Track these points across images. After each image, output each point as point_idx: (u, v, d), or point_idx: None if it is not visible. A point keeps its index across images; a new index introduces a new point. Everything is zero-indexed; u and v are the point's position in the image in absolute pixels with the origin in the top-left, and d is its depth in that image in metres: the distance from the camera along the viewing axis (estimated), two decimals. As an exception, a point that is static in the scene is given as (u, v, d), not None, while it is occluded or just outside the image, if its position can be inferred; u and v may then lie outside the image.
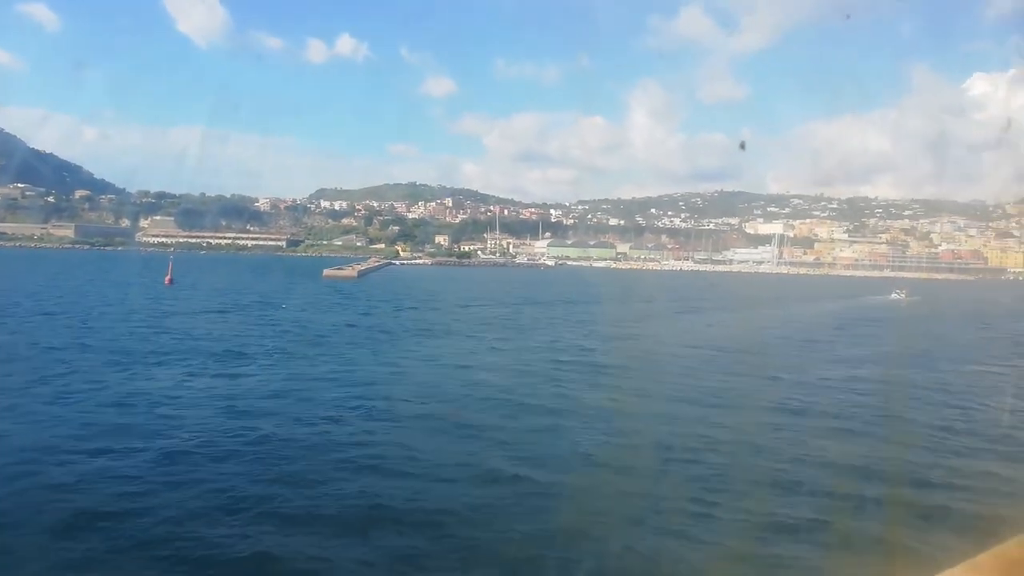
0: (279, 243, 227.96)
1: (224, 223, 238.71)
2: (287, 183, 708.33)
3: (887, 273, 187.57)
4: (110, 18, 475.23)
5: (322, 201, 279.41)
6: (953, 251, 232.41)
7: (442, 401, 20.08)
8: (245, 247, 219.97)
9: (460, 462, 14.14)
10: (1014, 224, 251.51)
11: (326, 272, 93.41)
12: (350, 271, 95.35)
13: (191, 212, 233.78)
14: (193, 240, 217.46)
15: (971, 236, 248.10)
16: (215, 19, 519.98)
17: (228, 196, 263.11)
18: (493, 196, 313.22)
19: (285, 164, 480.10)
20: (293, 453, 14.37)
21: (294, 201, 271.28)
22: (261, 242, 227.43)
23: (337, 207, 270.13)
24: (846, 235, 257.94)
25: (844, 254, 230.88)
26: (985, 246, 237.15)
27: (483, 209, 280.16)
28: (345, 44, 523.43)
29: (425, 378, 23.77)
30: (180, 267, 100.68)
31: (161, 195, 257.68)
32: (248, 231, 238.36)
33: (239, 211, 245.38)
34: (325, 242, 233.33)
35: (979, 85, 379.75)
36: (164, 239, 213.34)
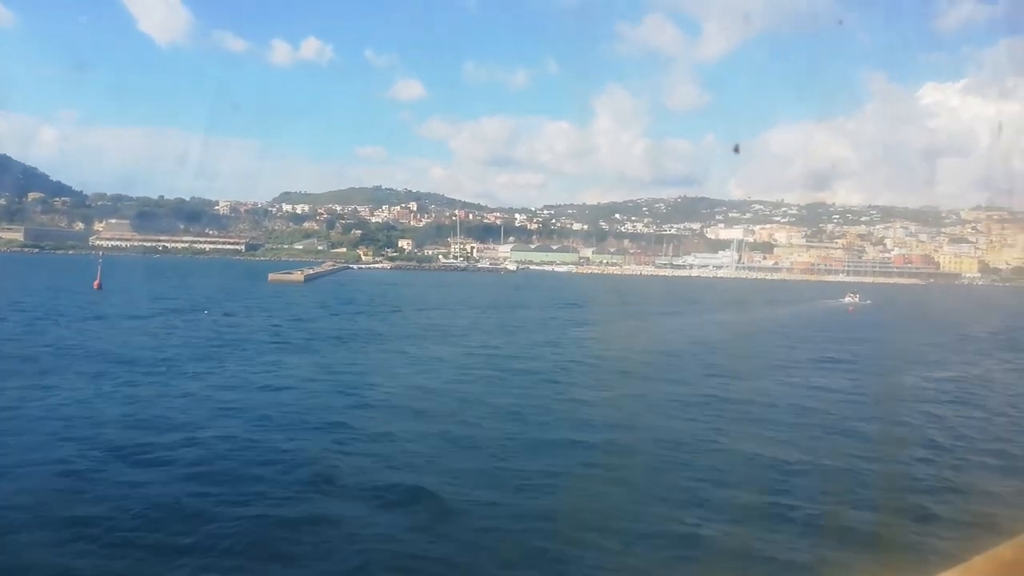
0: (238, 247, 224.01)
1: (182, 227, 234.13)
2: (252, 186, 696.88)
3: (841, 278, 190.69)
4: (68, 17, 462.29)
5: (284, 205, 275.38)
6: (904, 256, 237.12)
7: (328, 410, 19.30)
8: (203, 251, 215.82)
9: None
10: (969, 230, 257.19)
11: (271, 276, 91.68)
12: (296, 275, 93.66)
13: (148, 215, 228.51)
14: (148, 244, 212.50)
15: (922, 241, 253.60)
16: (177, 19, 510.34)
17: (187, 199, 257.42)
18: (460, 200, 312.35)
19: (250, 167, 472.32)
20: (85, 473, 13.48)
21: (255, 204, 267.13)
22: (219, 246, 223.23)
23: (299, 211, 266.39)
24: (804, 240, 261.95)
25: (801, 259, 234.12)
26: (936, 251, 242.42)
27: (448, 213, 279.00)
28: (311, 46, 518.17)
29: (305, 393, 22.72)
30: (123, 271, 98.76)
31: (118, 198, 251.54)
32: (207, 235, 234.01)
33: (198, 214, 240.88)
34: (286, 246, 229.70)
35: (931, 94, 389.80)
36: (119, 243, 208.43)
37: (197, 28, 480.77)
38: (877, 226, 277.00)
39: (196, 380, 23.26)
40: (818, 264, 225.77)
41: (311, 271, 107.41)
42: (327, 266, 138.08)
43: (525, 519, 11.65)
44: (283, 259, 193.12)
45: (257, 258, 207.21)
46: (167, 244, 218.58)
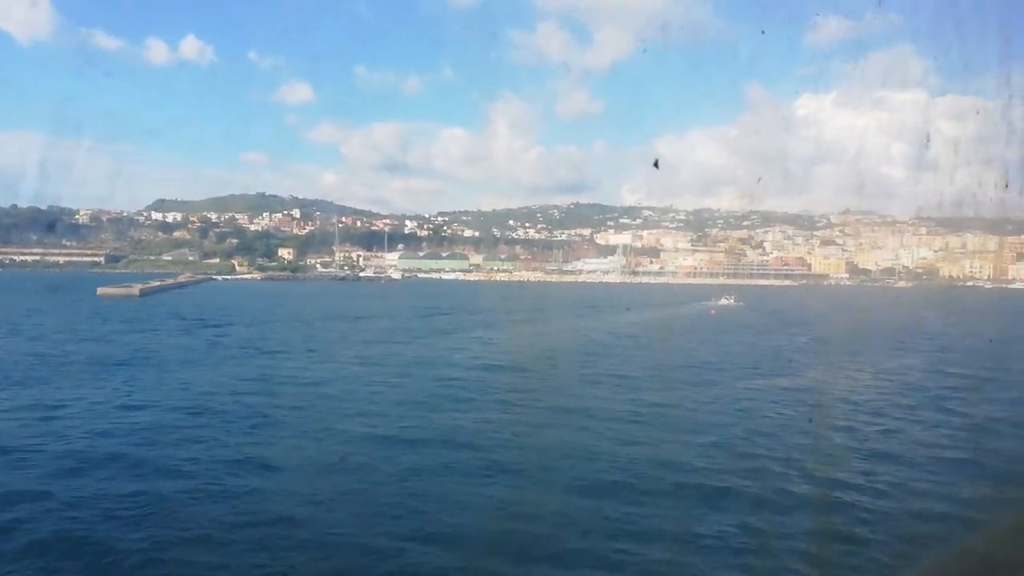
0: (97, 259, 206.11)
1: (34, 238, 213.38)
2: (123, 194, 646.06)
3: (721, 280, 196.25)
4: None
5: (154, 213, 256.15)
6: (781, 258, 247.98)
7: None
8: (56, 264, 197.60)
9: None
10: (837, 233, 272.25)
11: (101, 291, 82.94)
12: (132, 289, 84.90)
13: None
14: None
15: (797, 244, 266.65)
16: (40, 14, 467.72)
17: (44, 208, 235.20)
18: (350, 207, 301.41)
19: (121, 173, 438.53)
20: None
21: (121, 213, 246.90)
22: (76, 258, 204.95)
23: (171, 219, 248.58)
24: (690, 245, 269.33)
25: (685, 263, 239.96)
26: (809, 253, 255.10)
27: (334, 220, 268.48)
28: (190, 46, 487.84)
29: None
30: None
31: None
32: (63, 246, 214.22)
33: (52, 224, 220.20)
34: (152, 257, 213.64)
35: (807, 105, 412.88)
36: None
37: (63, 24, 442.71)
38: (757, 230, 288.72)
39: None
40: (701, 268, 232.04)
41: (155, 283, 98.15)
42: (183, 278, 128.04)
43: None
44: (148, 271, 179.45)
45: (118, 270, 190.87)
46: (14, 257, 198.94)
